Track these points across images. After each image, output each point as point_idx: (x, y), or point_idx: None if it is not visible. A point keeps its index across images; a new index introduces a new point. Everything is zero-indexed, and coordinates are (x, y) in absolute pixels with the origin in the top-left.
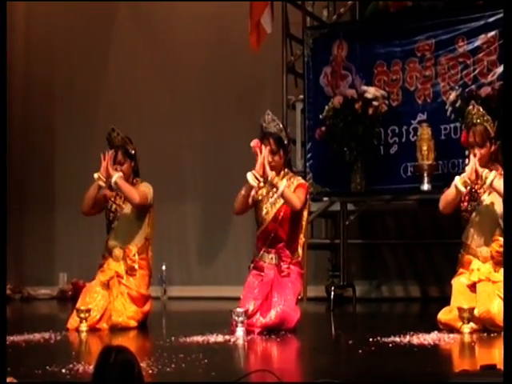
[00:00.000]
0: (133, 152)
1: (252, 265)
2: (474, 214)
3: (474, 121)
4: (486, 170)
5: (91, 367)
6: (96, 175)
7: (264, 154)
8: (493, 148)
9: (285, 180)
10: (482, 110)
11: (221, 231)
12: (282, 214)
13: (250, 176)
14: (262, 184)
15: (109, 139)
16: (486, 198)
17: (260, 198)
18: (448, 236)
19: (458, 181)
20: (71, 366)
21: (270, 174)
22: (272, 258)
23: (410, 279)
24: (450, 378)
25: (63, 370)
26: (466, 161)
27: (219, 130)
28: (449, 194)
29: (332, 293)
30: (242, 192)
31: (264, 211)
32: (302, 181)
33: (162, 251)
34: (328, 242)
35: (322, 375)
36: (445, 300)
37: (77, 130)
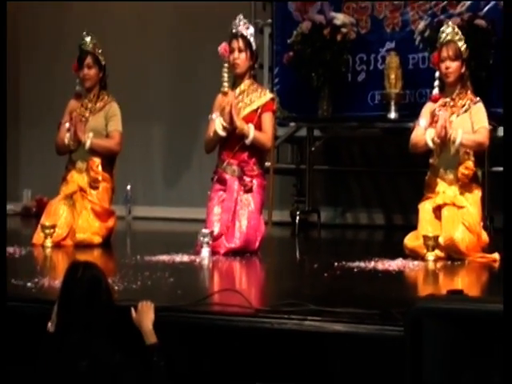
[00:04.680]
0: (103, 62)
1: (215, 176)
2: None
3: (449, 37)
4: (454, 132)
5: (57, 282)
6: (66, 140)
7: (232, 103)
8: (463, 69)
9: (252, 127)
10: (456, 28)
11: (186, 152)
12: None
13: (218, 126)
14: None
15: (81, 44)
16: (455, 121)
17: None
18: (413, 165)
19: (428, 136)
20: (36, 280)
21: (238, 122)
22: (234, 171)
23: (374, 207)
24: (417, 302)
25: (28, 284)
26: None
27: (187, 53)
28: (418, 141)
29: (297, 217)
30: (211, 135)
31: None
32: (270, 95)
33: (127, 171)
34: (293, 167)
35: (287, 297)
36: (409, 228)
37: (42, 46)
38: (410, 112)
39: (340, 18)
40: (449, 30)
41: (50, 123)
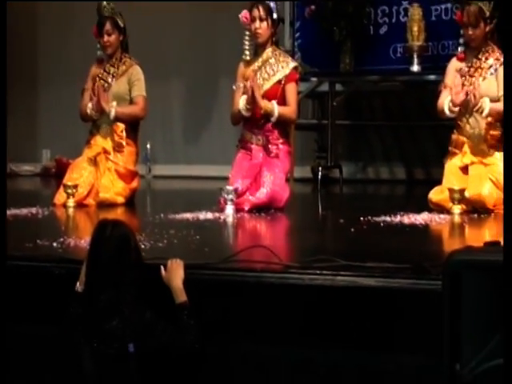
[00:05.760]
0: (122, 25)
1: (240, 144)
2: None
3: None
4: (482, 102)
5: (83, 242)
6: (89, 110)
7: (253, 86)
8: (487, 28)
9: (275, 105)
10: None
11: (206, 109)
12: (269, 97)
13: (242, 106)
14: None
15: (98, 9)
16: (482, 83)
17: (248, 77)
18: (434, 118)
19: (445, 106)
20: (62, 239)
21: (262, 103)
22: (260, 140)
23: (395, 161)
24: (455, 255)
25: (54, 244)
26: (460, 45)
27: (207, 8)
28: (442, 109)
29: (319, 173)
30: (236, 111)
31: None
32: (292, 64)
33: (146, 129)
34: (315, 122)
35: (316, 252)
36: (430, 182)
37: (59, 8)
38: (433, 64)
39: None
40: None
41: (68, 83)
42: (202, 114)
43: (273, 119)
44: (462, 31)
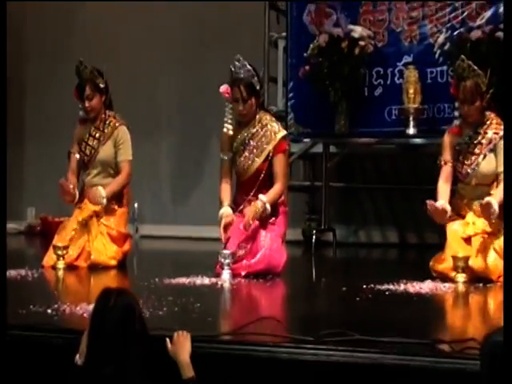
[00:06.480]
0: (102, 86)
1: (234, 208)
2: (470, 174)
3: (465, 75)
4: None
5: (78, 308)
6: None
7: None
8: (484, 101)
9: (263, 200)
10: (472, 65)
11: (196, 169)
12: (262, 170)
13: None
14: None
15: (77, 72)
16: (482, 162)
17: (235, 150)
18: (428, 182)
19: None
20: (56, 306)
21: (251, 224)
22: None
23: (388, 225)
24: (493, 335)
25: (49, 311)
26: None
27: (197, 66)
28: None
29: (313, 236)
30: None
31: (242, 165)
32: (281, 134)
33: (134, 188)
34: (308, 184)
35: (325, 324)
36: (423, 247)
37: (49, 60)
38: (429, 127)
39: (358, 31)
40: (464, 66)
41: (55, 140)
42: (191, 174)
43: (268, 211)
44: (457, 105)
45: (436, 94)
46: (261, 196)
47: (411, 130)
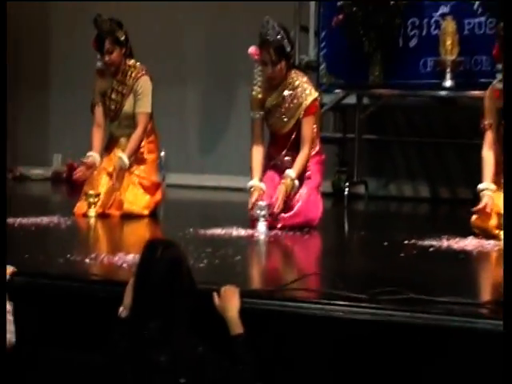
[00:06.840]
0: (122, 38)
1: (268, 162)
2: None
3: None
4: None
5: (116, 258)
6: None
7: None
8: None
9: (291, 175)
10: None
11: (222, 118)
12: (294, 131)
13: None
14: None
15: (96, 25)
16: None
17: (267, 111)
18: (461, 136)
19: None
20: (94, 255)
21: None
22: (289, 161)
23: (419, 179)
24: None
25: (87, 260)
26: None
27: (225, 16)
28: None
29: (346, 189)
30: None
31: (274, 126)
32: (312, 96)
33: (160, 137)
34: (339, 136)
35: (376, 282)
36: (454, 201)
37: (73, 7)
38: (466, 80)
39: None
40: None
41: (80, 87)
42: (217, 123)
43: (296, 187)
44: (498, 66)
45: (473, 46)
46: (288, 172)
47: (448, 83)
